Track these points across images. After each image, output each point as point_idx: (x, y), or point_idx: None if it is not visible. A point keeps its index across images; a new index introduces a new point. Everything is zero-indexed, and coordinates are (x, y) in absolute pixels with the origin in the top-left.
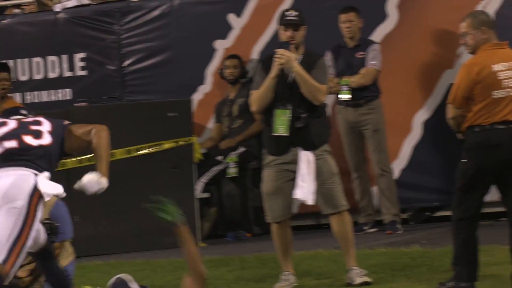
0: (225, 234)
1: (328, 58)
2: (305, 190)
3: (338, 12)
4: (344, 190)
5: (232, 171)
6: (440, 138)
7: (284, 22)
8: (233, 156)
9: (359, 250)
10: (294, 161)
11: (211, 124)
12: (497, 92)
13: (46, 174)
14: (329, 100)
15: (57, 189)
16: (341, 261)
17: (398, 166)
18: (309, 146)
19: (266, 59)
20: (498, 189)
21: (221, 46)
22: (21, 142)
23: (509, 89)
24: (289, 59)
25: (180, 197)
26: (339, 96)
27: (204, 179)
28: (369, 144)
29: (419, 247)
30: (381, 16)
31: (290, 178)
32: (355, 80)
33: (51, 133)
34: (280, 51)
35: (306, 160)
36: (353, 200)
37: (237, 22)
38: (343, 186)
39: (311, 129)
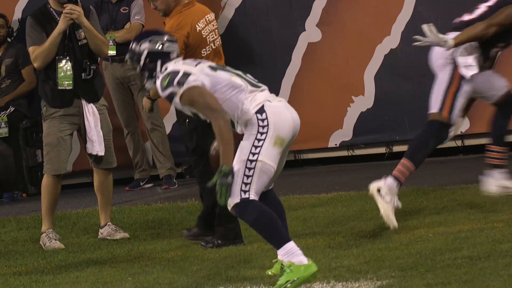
0: (1, 195)
1: None
2: (95, 144)
3: None
4: (117, 147)
5: (3, 131)
6: None
7: None
8: (2, 116)
9: (136, 207)
10: (77, 113)
11: None
12: (205, 50)
13: None
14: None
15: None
16: (119, 218)
17: (169, 121)
18: (93, 98)
19: (37, 14)
20: None
21: None
22: None
23: (211, 44)
24: (79, 14)
25: None
26: None
27: None
28: (138, 99)
29: (195, 201)
30: None
31: (72, 130)
32: (121, 35)
33: None
34: (69, 6)
35: (91, 113)
36: (127, 156)
37: None
38: (116, 142)
39: (95, 80)
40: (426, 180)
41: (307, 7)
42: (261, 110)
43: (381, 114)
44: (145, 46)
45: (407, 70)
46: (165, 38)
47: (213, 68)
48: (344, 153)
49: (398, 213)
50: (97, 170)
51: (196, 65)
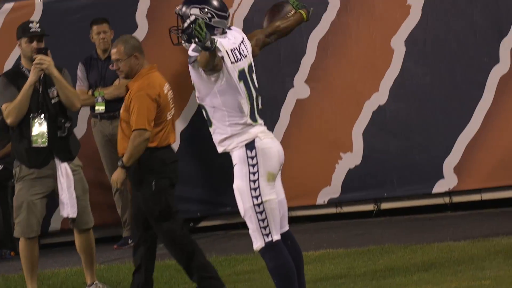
0: None
1: (80, 70)
2: (66, 206)
3: (87, 24)
4: (106, 204)
5: None
6: (197, 148)
7: (30, 34)
8: None
9: (124, 265)
10: (51, 175)
11: None
12: (170, 114)
13: None
14: (85, 113)
15: None
16: (107, 276)
17: None
18: (68, 156)
19: (10, 73)
20: None
21: None
22: None
23: (172, 109)
24: (50, 64)
25: None
26: (95, 108)
27: None
28: None
29: None
30: (132, 26)
31: (45, 194)
32: (109, 91)
33: None
34: (39, 56)
35: (65, 174)
36: (115, 214)
37: None
38: (105, 199)
39: (70, 139)
40: (414, 237)
41: (295, 63)
42: (251, 146)
43: (370, 171)
44: (194, 12)
45: (395, 127)
46: (217, 12)
47: (241, 76)
48: (332, 210)
49: (385, 270)
50: (76, 230)
51: (233, 62)
